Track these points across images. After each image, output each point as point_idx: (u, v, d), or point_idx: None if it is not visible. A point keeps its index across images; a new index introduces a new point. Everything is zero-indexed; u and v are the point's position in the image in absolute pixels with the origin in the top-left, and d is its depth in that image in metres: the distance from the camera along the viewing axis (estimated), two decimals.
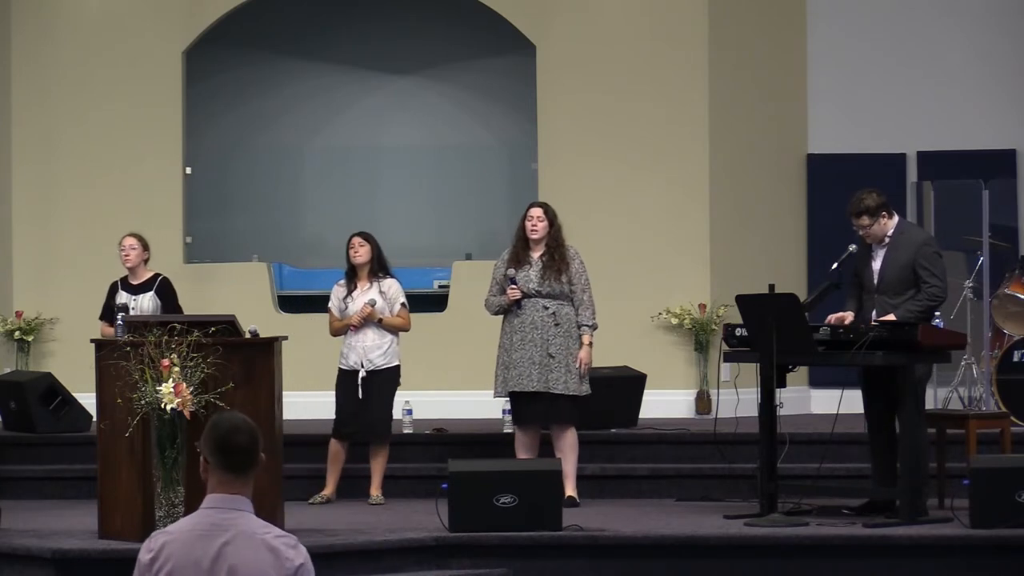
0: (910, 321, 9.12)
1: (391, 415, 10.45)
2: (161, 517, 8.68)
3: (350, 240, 10.59)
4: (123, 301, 10.60)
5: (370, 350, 10.38)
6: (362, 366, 10.36)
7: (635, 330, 12.83)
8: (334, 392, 10.51)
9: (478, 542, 8.90)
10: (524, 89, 13.74)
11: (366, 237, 10.58)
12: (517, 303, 10.06)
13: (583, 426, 10.65)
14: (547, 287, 10.04)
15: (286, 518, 9.06)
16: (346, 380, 10.42)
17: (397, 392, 10.54)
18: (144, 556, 4.42)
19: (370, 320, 10.38)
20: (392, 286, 10.50)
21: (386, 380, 10.39)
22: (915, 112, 13.58)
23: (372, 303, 10.39)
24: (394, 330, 10.47)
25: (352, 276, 10.56)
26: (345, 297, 10.50)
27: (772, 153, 13.50)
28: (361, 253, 10.50)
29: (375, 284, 10.48)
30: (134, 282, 10.80)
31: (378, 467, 10.45)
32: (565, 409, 10.05)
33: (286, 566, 4.32)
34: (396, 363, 10.46)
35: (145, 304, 10.64)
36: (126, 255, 10.78)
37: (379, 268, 10.53)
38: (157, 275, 10.85)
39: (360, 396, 10.33)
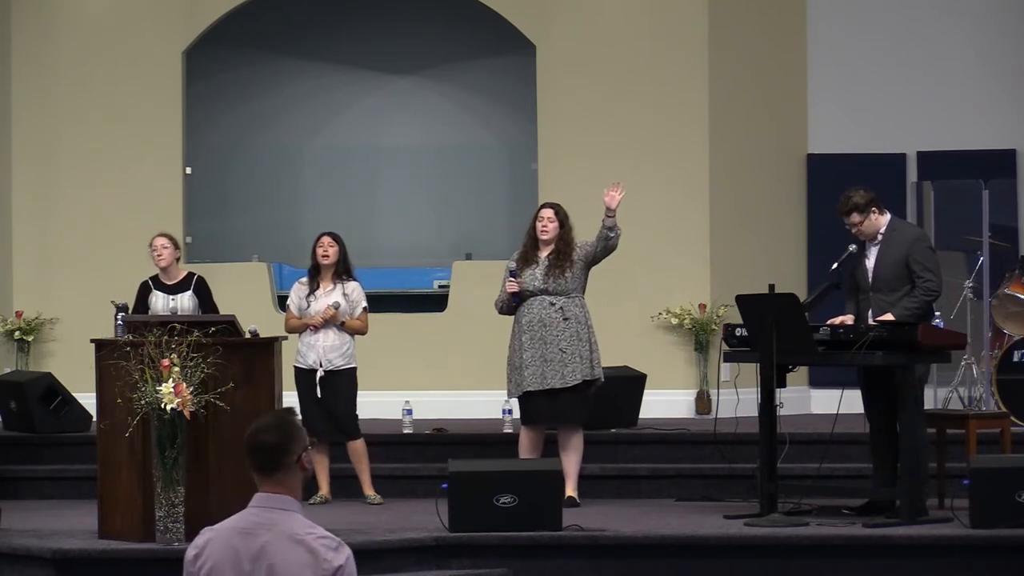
0: (908, 320, 9.12)
1: (355, 413, 10.39)
2: (161, 517, 8.68)
3: (319, 239, 10.52)
4: (160, 302, 10.58)
5: (330, 350, 10.33)
6: (320, 365, 10.32)
7: (635, 330, 12.83)
8: (296, 393, 10.44)
9: (478, 542, 8.90)
10: (524, 89, 13.74)
11: (335, 238, 10.52)
12: (516, 296, 10.07)
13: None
14: (552, 284, 10.04)
15: None
16: (304, 379, 10.36)
17: (368, 392, 10.49)
18: (189, 552, 4.44)
19: (333, 322, 10.34)
20: (355, 289, 10.45)
21: (345, 380, 10.33)
22: (915, 112, 13.57)
23: (336, 306, 10.32)
24: (353, 333, 10.44)
25: (315, 275, 10.51)
26: (308, 296, 10.45)
27: (772, 153, 13.50)
28: (330, 254, 10.45)
29: (339, 286, 10.44)
30: (168, 282, 10.75)
31: (362, 466, 10.41)
32: (575, 409, 10.04)
33: (323, 567, 4.31)
34: (354, 364, 10.40)
35: (185, 304, 10.62)
36: (159, 255, 10.72)
37: (344, 270, 10.49)
38: (192, 274, 10.82)
39: (319, 395, 10.29)
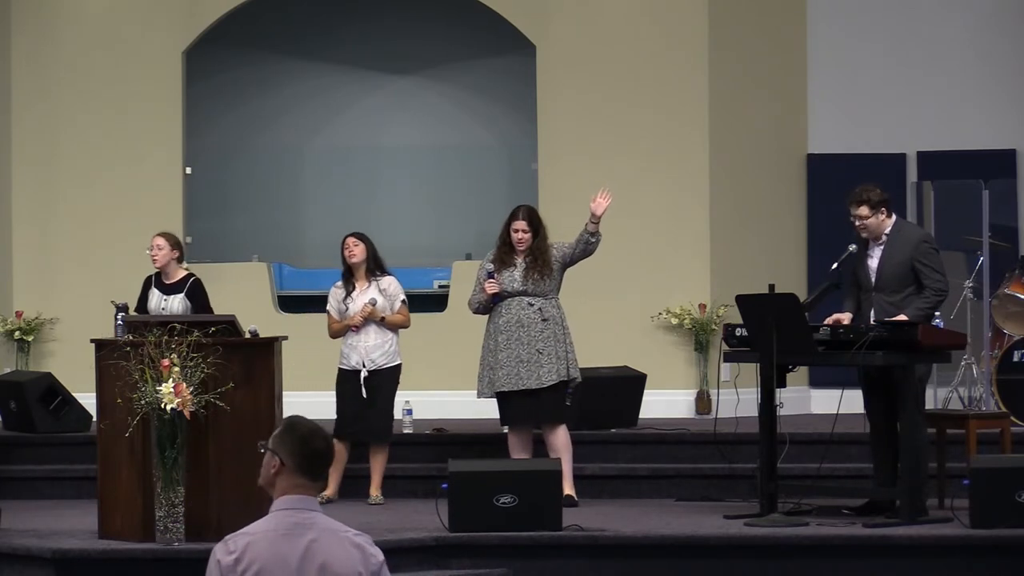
0: (920, 320, 9.14)
1: (392, 416, 10.45)
2: (161, 517, 8.68)
3: (344, 241, 10.57)
4: (154, 300, 10.60)
5: (372, 350, 10.38)
6: (364, 366, 10.36)
7: (635, 330, 12.83)
8: (335, 392, 10.51)
9: (478, 542, 8.90)
10: (524, 89, 13.74)
11: (360, 237, 10.57)
12: (496, 296, 10.08)
13: (583, 426, 10.66)
14: (531, 285, 10.05)
15: None
16: (347, 380, 10.41)
17: (398, 392, 10.54)
18: (226, 558, 4.39)
19: (372, 319, 10.38)
20: (391, 284, 10.50)
21: (387, 379, 10.39)
22: (915, 112, 13.57)
23: (373, 302, 10.39)
24: (395, 328, 10.47)
25: (349, 277, 10.54)
26: (345, 298, 10.49)
27: (772, 153, 13.50)
28: (356, 253, 10.49)
29: (373, 283, 10.48)
30: (167, 281, 10.78)
31: (378, 467, 10.45)
32: (554, 407, 10.03)
33: (371, 562, 4.45)
34: (398, 362, 10.46)
35: (175, 305, 10.62)
36: (153, 255, 10.75)
37: (376, 267, 10.53)
38: (190, 275, 10.82)
39: (363, 396, 10.32)
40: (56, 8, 13.68)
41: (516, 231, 10.15)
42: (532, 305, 10.06)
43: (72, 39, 13.62)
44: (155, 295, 10.72)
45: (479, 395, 10.27)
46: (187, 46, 13.65)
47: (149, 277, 10.87)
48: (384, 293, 10.45)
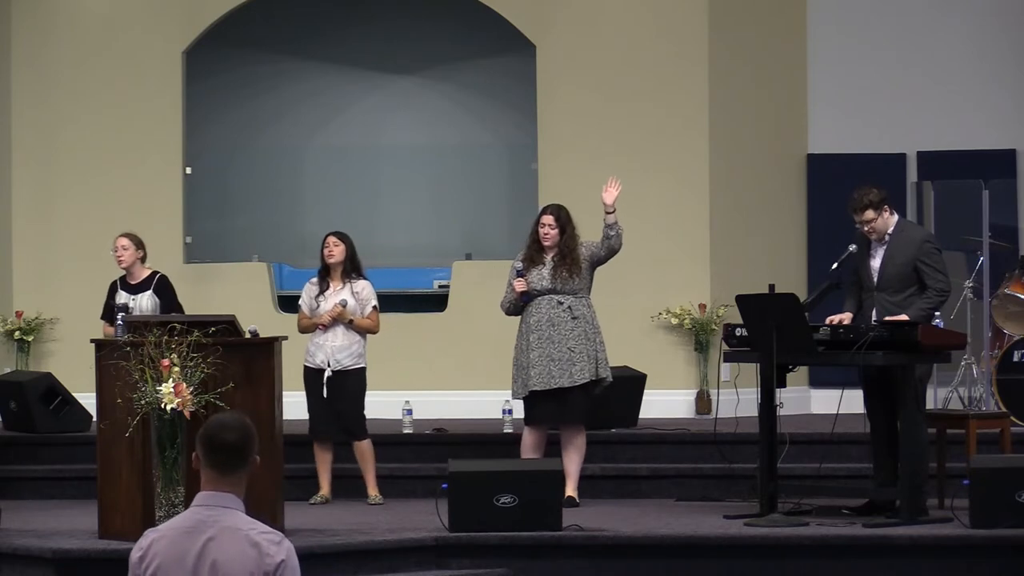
0: (922, 320, 9.14)
1: (363, 413, 10.41)
2: (161, 517, 8.67)
3: (325, 239, 10.57)
4: (123, 301, 10.60)
5: (338, 350, 10.35)
6: (328, 365, 10.34)
7: (635, 330, 12.83)
8: (304, 392, 10.47)
9: (478, 542, 8.90)
10: (524, 89, 13.74)
11: (341, 237, 10.55)
12: (525, 295, 10.07)
13: None
14: (559, 284, 10.05)
15: (286, 518, 9.07)
16: (312, 379, 10.38)
17: (368, 392, 10.49)
18: (134, 554, 4.49)
19: (340, 320, 10.35)
20: (365, 288, 10.47)
21: (353, 381, 10.36)
22: (915, 112, 13.57)
23: (344, 304, 10.35)
24: (363, 332, 10.45)
25: (325, 275, 10.53)
26: (317, 296, 10.47)
27: (772, 153, 13.50)
28: (335, 253, 10.47)
29: (348, 284, 10.46)
30: (132, 281, 10.79)
31: (368, 467, 10.43)
32: (580, 408, 10.04)
33: (266, 562, 4.32)
34: (363, 364, 10.42)
35: (144, 303, 10.63)
36: (119, 256, 10.75)
37: (352, 268, 10.51)
38: (155, 273, 10.83)
39: (325, 396, 10.30)
40: (56, 8, 13.68)
41: (543, 225, 10.16)
42: (562, 304, 10.05)
43: (72, 39, 13.62)
44: (122, 296, 10.71)
45: (513, 396, 10.25)
46: (187, 46, 13.65)
47: (114, 282, 10.85)
48: (356, 296, 10.42)
